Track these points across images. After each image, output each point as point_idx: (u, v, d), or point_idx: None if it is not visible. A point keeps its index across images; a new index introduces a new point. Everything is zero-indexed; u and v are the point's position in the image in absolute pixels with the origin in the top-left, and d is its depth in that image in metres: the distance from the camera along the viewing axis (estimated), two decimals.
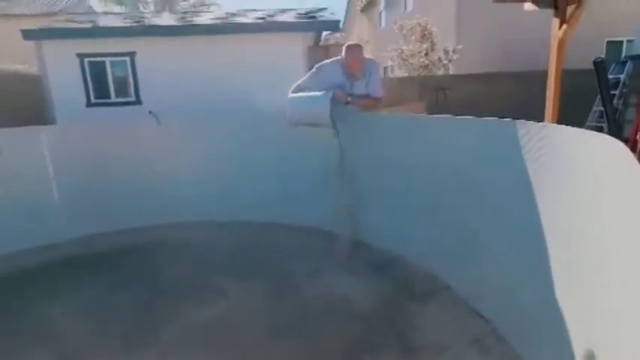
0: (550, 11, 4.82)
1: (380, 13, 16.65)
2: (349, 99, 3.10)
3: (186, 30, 8.17)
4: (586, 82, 7.08)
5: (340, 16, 18.29)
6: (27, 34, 7.71)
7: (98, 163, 3.59)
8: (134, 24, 8.58)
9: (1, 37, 11.44)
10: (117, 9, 18.92)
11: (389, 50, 11.02)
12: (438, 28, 10.53)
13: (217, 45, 7.91)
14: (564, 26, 4.54)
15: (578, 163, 1.44)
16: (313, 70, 3.24)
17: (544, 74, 4.99)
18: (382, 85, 3.28)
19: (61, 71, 7.80)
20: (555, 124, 1.66)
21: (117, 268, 3.00)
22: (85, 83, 7.97)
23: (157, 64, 7.88)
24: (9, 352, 2.04)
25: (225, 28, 8.22)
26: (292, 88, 3.23)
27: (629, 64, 7.45)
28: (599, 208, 1.25)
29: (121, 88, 8.12)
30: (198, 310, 2.35)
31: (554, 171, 1.58)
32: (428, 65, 10.36)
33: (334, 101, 2.99)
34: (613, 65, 7.91)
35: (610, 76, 7.67)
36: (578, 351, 1.29)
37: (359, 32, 18.32)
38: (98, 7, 18.10)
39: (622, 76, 7.45)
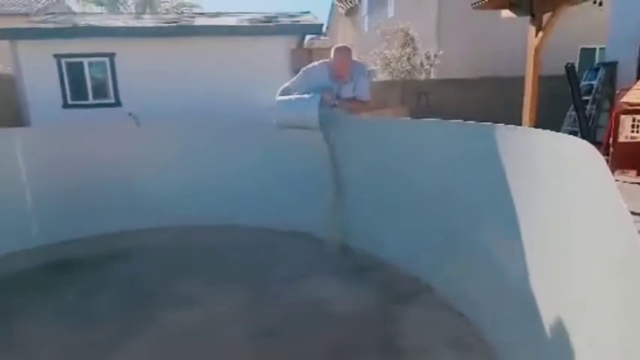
0: (527, 19, 4.97)
1: (363, 18, 16.82)
2: (336, 102, 3.10)
3: (167, 32, 8.07)
4: (562, 88, 7.30)
5: (323, 19, 18.42)
6: (1, 34, 7.47)
7: (74, 167, 3.49)
8: (114, 25, 8.42)
9: None
10: (96, 9, 18.55)
11: (371, 54, 11.13)
12: (420, 34, 10.71)
13: (200, 47, 7.84)
14: (540, 33, 4.69)
15: (552, 164, 1.48)
16: (301, 72, 3.22)
17: (522, 80, 5.13)
18: (370, 88, 3.29)
19: (37, 72, 7.59)
20: (532, 128, 1.70)
21: (92, 274, 2.90)
22: (62, 84, 7.78)
23: (137, 65, 7.75)
24: None
25: (208, 30, 8.16)
26: (280, 91, 3.21)
27: (601, 71, 7.73)
28: (570, 205, 1.30)
29: (100, 89, 7.96)
30: (178, 316, 2.30)
31: (530, 172, 1.62)
32: (410, 70, 10.51)
33: (322, 104, 2.98)
34: (586, 72, 8.20)
35: (583, 83, 7.95)
36: (554, 348, 1.32)
37: (343, 36, 18.45)
38: (76, 8, 17.71)
39: (595, 82, 7.72)
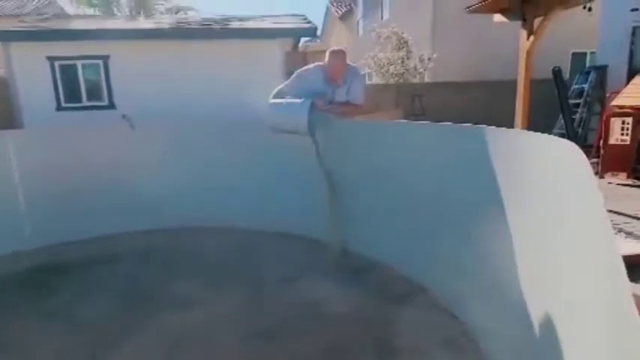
0: (519, 23, 5.04)
1: (358, 22, 16.91)
2: (329, 106, 3.10)
3: (162, 34, 8.06)
4: (555, 91, 7.40)
5: (318, 23, 18.49)
6: None
7: (68, 169, 3.47)
8: (108, 27, 8.40)
9: None
10: (90, 11, 18.44)
11: (365, 57, 11.19)
12: (414, 37, 10.79)
13: (195, 50, 7.83)
14: (531, 37, 4.75)
15: (540, 165, 1.52)
16: (295, 75, 3.23)
17: (514, 83, 5.20)
18: (364, 92, 3.30)
19: (30, 74, 7.54)
20: (523, 131, 1.73)
21: (87, 276, 2.88)
22: (56, 87, 7.72)
23: (132, 68, 7.72)
24: None
25: (203, 32, 8.17)
26: (273, 93, 3.21)
27: (592, 74, 7.84)
28: (555, 205, 1.34)
29: (94, 92, 7.91)
30: (174, 317, 2.30)
31: (520, 173, 1.65)
32: (404, 73, 10.59)
33: (313, 109, 2.97)
34: (577, 75, 8.31)
35: (575, 86, 8.06)
36: (544, 349, 1.34)
37: (338, 39, 18.53)
38: (70, 9, 17.60)
39: (585, 86, 7.83)
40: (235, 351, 2.02)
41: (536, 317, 1.44)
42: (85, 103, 7.89)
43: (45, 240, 3.34)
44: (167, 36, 8.01)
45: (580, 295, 1.12)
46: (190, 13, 18.67)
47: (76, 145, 3.56)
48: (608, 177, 5.66)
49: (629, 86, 6.11)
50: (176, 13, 18.32)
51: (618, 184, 5.47)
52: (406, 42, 10.72)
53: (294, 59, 8.23)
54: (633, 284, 2.17)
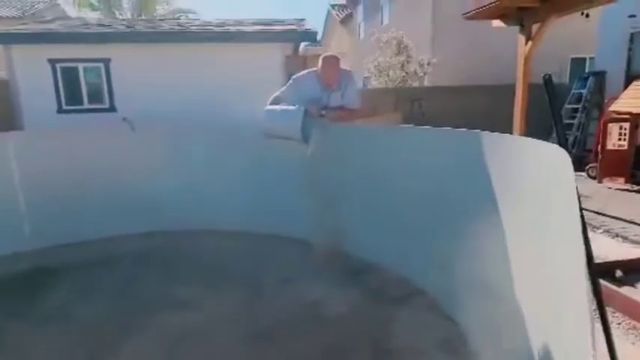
0: (517, 28, 5.08)
1: (358, 26, 17.00)
2: (323, 112, 3.13)
3: (163, 37, 8.11)
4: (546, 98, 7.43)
5: (319, 27, 18.58)
6: None
7: (67, 171, 3.49)
8: (109, 30, 8.44)
9: None
10: (91, 14, 18.55)
11: (366, 62, 11.25)
12: (414, 42, 10.85)
13: (195, 53, 7.88)
14: (530, 43, 4.79)
15: (532, 169, 1.55)
16: (290, 81, 3.27)
17: (514, 87, 5.22)
18: (360, 96, 3.33)
19: (31, 77, 7.57)
20: (517, 136, 1.76)
21: (85, 278, 2.89)
22: (57, 89, 7.75)
23: (132, 71, 7.76)
24: None
25: (204, 36, 8.20)
26: (270, 100, 3.25)
27: (590, 80, 7.87)
28: (545, 208, 1.37)
29: (95, 94, 7.95)
30: (172, 319, 2.31)
31: (516, 177, 1.68)
32: (404, 77, 10.64)
33: (306, 116, 2.99)
34: (576, 81, 8.35)
35: (573, 91, 8.10)
36: (537, 352, 1.36)
37: (339, 43, 18.62)
38: (72, 12, 17.69)
39: (584, 91, 7.86)
40: (235, 351, 2.04)
41: (529, 319, 1.46)
42: (86, 105, 7.91)
43: (44, 241, 3.36)
44: (168, 39, 8.05)
45: (568, 300, 1.14)
46: (191, 16, 18.80)
47: (77, 148, 3.59)
48: (607, 182, 5.69)
49: (626, 92, 6.14)
50: (177, 16, 18.43)
51: (616, 189, 5.49)
52: (406, 46, 10.78)
53: (295, 63, 8.28)
54: (632, 288, 2.19)
